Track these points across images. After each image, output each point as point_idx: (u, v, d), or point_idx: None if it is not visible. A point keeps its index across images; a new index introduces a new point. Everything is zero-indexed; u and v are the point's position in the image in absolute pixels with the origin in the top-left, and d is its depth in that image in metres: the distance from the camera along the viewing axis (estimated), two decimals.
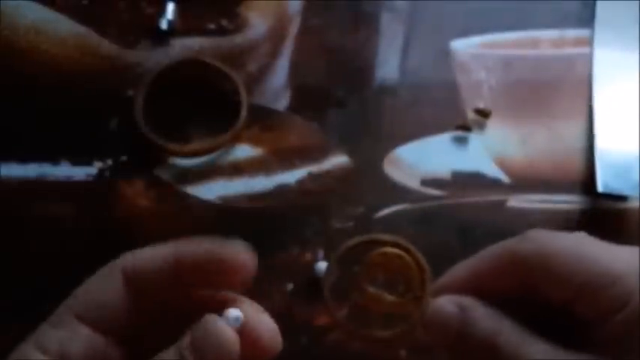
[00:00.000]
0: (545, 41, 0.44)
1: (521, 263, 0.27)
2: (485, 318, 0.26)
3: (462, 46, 0.44)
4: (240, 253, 0.28)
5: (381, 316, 0.28)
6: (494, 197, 0.41)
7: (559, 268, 0.26)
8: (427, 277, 0.28)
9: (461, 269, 0.29)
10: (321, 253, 0.39)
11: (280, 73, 0.44)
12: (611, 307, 0.24)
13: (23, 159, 0.41)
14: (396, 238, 0.29)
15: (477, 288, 0.27)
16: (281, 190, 0.41)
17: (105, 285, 0.27)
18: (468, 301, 0.27)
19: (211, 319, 0.26)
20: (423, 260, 0.29)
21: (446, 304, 0.27)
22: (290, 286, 0.39)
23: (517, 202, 0.41)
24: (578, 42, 0.45)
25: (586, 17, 0.45)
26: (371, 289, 0.29)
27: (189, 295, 0.28)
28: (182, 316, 0.27)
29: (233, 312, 0.27)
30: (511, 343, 0.25)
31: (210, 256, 0.27)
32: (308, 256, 0.39)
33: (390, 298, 0.28)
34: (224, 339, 0.26)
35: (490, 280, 0.28)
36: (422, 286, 0.28)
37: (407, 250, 0.29)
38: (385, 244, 0.29)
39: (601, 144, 0.41)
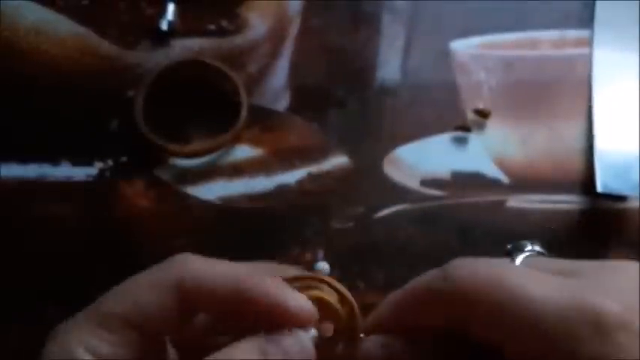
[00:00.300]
0: (545, 42, 0.45)
1: (440, 300, 0.25)
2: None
3: (462, 46, 0.44)
4: (303, 308, 0.26)
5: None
6: (494, 197, 0.41)
7: (479, 308, 0.24)
8: (355, 311, 0.27)
9: (386, 305, 0.28)
10: (321, 253, 0.39)
11: (280, 74, 0.44)
12: (538, 351, 0.23)
13: (23, 159, 0.41)
14: (310, 274, 0.28)
15: (402, 323, 0.27)
16: (281, 191, 0.41)
17: (157, 292, 0.25)
18: (395, 344, 0.26)
19: (300, 332, 0.25)
20: (346, 293, 0.27)
21: (374, 347, 0.27)
22: None
23: (517, 202, 0.41)
24: (577, 42, 0.45)
25: (586, 18, 0.45)
26: None
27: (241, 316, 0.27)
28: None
29: (312, 331, 0.26)
30: None
31: (274, 302, 0.26)
32: (308, 256, 0.39)
33: (320, 342, 0.27)
34: (310, 352, 0.26)
35: (413, 316, 0.27)
36: (351, 327, 0.27)
37: (325, 283, 0.28)
38: (300, 280, 0.27)
39: (600, 144, 0.41)
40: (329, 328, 0.28)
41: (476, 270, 0.25)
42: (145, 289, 0.25)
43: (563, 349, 0.22)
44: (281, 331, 0.25)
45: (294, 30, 0.45)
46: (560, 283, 0.24)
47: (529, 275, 0.24)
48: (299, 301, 0.26)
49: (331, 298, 0.27)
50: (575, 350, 0.22)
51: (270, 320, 0.25)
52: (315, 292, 0.27)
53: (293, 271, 0.29)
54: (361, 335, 0.28)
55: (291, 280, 0.27)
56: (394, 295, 0.28)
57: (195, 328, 0.29)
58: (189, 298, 0.25)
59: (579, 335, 0.22)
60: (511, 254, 0.30)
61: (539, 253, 0.31)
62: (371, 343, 0.27)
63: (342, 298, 0.27)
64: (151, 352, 0.26)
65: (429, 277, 0.26)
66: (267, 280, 0.26)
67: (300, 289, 0.27)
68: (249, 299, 0.25)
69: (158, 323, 0.25)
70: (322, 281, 0.28)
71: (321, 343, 0.27)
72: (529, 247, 0.31)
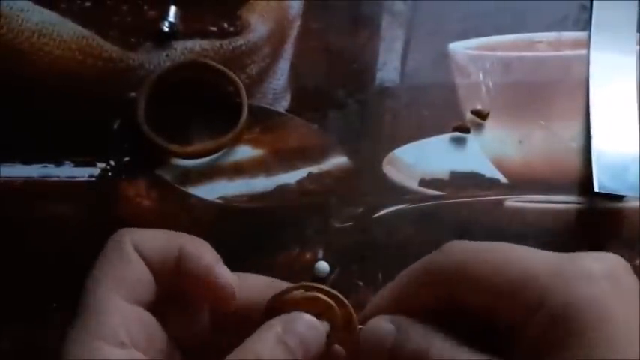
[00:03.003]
0: (543, 43, 0.45)
1: (437, 275, 0.26)
2: (417, 333, 0.26)
3: (461, 48, 0.45)
4: (231, 283, 0.28)
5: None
6: (492, 197, 0.41)
7: (475, 275, 0.25)
8: (350, 311, 0.28)
9: (384, 292, 0.29)
10: (321, 253, 0.40)
11: (281, 75, 0.44)
12: (527, 309, 0.24)
13: (27, 159, 0.41)
14: (300, 283, 0.28)
15: (402, 307, 0.27)
16: (281, 191, 0.41)
17: (129, 261, 0.27)
18: (401, 318, 0.27)
19: (306, 316, 0.27)
20: (339, 296, 0.28)
21: (381, 321, 0.27)
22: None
23: (515, 202, 0.41)
24: (575, 44, 0.45)
25: (583, 19, 0.46)
26: None
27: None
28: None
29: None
30: (444, 357, 0.25)
31: (207, 272, 0.27)
32: (308, 255, 0.40)
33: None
34: (321, 333, 0.27)
35: (412, 297, 0.27)
36: (348, 320, 0.28)
37: (320, 292, 0.28)
38: (290, 290, 0.28)
39: (598, 145, 0.41)
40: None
41: (471, 244, 0.27)
42: (116, 262, 0.27)
43: (555, 300, 0.23)
44: (293, 318, 0.26)
45: (294, 31, 0.45)
46: (549, 253, 0.26)
47: (517, 246, 0.26)
48: (229, 278, 0.28)
49: (323, 297, 0.28)
50: (566, 301, 0.23)
51: (202, 291, 0.27)
52: (311, 293, 0.28)
53: (282, 285, 0.29)
54: (359, 327, 0.28)
55: (285, 291, 0.28)
56: (388, 286, 0.28)
57: (198, 328, 0.29)
58: (147, 260, 0.27)
59: (571, 286, 0.23)
60: None
61: None
62: (379, 318, 0.27)
63: (338, 302, 0.28)
64: (153, 324, 0.27)
65: (424, 258, 0.27)
66: (207, 251, 0.28)
67: (295, 295, 0.28)
68: (189, 269, 0.27)
69: (150, 289, 0.27)
70: (317, 289, 0.28)
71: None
72: None
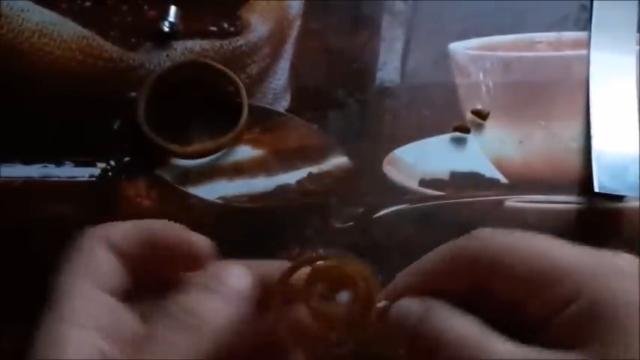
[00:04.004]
0: (543, 43, 0.45)
1: (469, 261, 0.26)
2: (444, 314, 0.26)
3: (461, 48, 0.45)
4: (204, 243, 0.28)
5: (334, 329, 0.27)
6: (493, 197, 0.41)
7: (508, 264, 0.25)
8: (371, 284, 0.27)
9: (411, 271, 0.28)
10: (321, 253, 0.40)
11: (281, 75, 0.44)
12: (560, 302, 0.24)
13: (27, 159, 0.41)
14: (328, 253, 0.29)
15: (429, 289, 0.27)
16: (281, 191, 0.41)
17: (94, 253, 0.27)
18: (430, 301, 0.26)
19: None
20: (363, 269, 0.28)
21: (409, 302, 0.27)
22: None
23: (515, 202, 0.41)
24: (575, 44, 0.45)
25: (583, 19, 0.46)
26: (318, 305, 0.27)
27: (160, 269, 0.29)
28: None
29: None
30: (476, 341, 0.24)
31: (179, 240, 0.28)
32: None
33: (337, 310, 0.27)
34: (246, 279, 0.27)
35: (439, 282, 0.27)
36: (367, 293, 0.27)
37: (344, 264, 0.28)
38: (319, 260, 0.28)
39: (598, 145, 0.41)
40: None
41: (502, 232, 0.26)
42: (86, 256, 0.27)
43: (590, 295, 0.23)
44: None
45: (294, 31, 0.45)
46: (581, 247, 0.25)
47: (549, 238, 0.26)
48: (203, 240, 0.28)
49: (347, 268, 0.28)
50: (601, 296, 0.23)
51: (179, 261, 0.28)
52: (331, 262, 0.28)
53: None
54: (380, 304, 0.28)
55: (303, 262, 0.28)
56: (412, 267, 0.28)
57: None
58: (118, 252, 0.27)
59: (606, 281, 0.23)
60: None
61: None
62: (409, 299, 0.27)
63: (358, 271, 0.28)
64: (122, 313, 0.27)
65: (452, 242, 0.27)
66: (171, 225, 0.28)
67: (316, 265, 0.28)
68: (162, 242, 0.28)
69: (120, 279, 0.27)
70: (342, 259, 0.28)
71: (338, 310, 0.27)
72: None
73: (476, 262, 0.26)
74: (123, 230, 0.28)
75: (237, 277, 0.27)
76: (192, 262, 0.28)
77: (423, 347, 0.26)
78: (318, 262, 0.28)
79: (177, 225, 0.29)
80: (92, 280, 0.26)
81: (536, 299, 0.25)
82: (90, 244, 0.28)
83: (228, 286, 0.27)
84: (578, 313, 0.23)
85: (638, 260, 0.25)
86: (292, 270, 0.28)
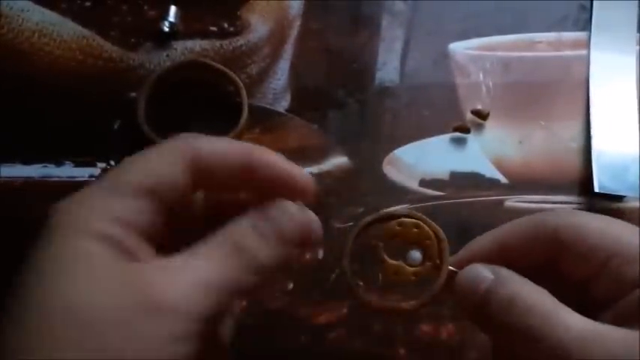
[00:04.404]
0: (543, 43, 0.45)
1: (550, 234, 0.26)
2: (515, 281, 0.26)
3: (461, 48, 0.45)
4: (304, 178, 0.27)
5: (402, 287, 0.29)
6: (493, 198, 0.41)
7: (587, 240, 0.26)
8: (445, 246, 0.29)
9: (484, 240, 0.28)
10: (321, 253, 0.40)
11: (281, 75, 0.44)
12: (634, 280, 0.24)
13: (27, 160, 0.41)
14: (409, 210, 0.29)
15: (501, 259, 0.27)
16: None
17: (172, 164, 0.25)
18: (502, 269, 0.26)
19: (291, 203, 0.26)
20: (439, 230, 0.29)
21: (479, 267, 0.27)
22: (290, 285, 0.39)
23: (515, 202, 0.41)
24: (575, 44, 0.45)
25: (583, 20, 0.46)
26: (390, 260, 0.29)
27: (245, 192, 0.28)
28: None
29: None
30: (547, 310, 0.24)
31: (281, 172, 0.27)
32: (308, 255, 0.39)
33: (409, 267, 0.29)
34: (308, 217, 0.26)
35: (515, 252, 0.27)
36: (440, 254, 0.28)
37: (423, 221, 0.29)
38: (400, 216, 0.29)
39: (598, 145, 0.41)
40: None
41: (584, 212, 0.28)
42: (156, 160, 0.25)
43: None
44: (270, 205, 0.26)
45: (294, 31, 0.45)
46: None
47: (627, 224, 0.27)
48: (301, 173, 0.27)
49: (425, 227, 0.29)
50: None
51: (275, 192, 0.26)
52: (411, 220, 0.29)
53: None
54: (450, 267, 0.28)
55: (383, 218, 0.29)
56: (489, 234, 0.28)
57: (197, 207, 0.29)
58: (203, 171, 0.26)
59: None
60: None
61: None
62: (479, 265, 0.27)
63: (435, 233, 0.29)
64: (163, 224, 0.25)
65: (531, 216, 0.27)
66: (274, 154, 0.27)
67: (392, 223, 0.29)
68: (258, 170, 0.26)
69: (172, 194, 0.25)
70: (412, 216, 0.29)
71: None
72: None
73: (556, 235, 0.26)
74: (219, 147, 0.26)
75: (289, 222, 0.26)
76: (289, 193, 0.27)
77: (491, 314, 0.25)
78: (396, 219, 0.29)
79: (278, 156, 0.27)
80: (152, 188, 0.24)
81: (609, 277, 0.25)
82: (166, 154, 0.26)
83: (279, 232, 0.25)
84: None
85: None
86: (370, 223, 0.29)
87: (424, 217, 0.29)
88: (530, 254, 0.27)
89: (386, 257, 0.29)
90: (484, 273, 0.26)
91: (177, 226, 0.26)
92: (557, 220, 0.27)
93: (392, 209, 0.29)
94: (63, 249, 0.23)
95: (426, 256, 0.29)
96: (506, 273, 0.26)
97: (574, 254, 0.26)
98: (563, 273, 0.27)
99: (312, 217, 0.27)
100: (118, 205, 0.23)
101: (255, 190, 0.27)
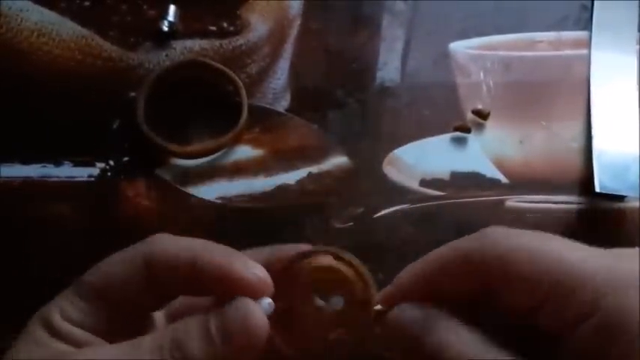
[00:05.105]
0: (543, 43, 0.45)
1: (477, 263, 0.24)
2: (451, 328, 0.24)
3: (461, 47, 0.45)
4: (257, 277, 0.26)
5: (326, 332, 0.27)
6: (493, 197, 0.41)
7: (520, 268, 0.23)
8: (370, 286, 0.27)
9: (410, 272, 0.27)
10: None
11: (281, 75, 0.44)
12: (579, 313, 0.22)
13: (26, 159, 0.41)
14: (326, 248, 0.28)
15: (428, 293, 0.26)
16: (281, 191, 0.41)
17: (125, 265, 0.27)
18: (431, 311, 0.25)
19: (245, 301, 0.25)
20: (364, 269, 0.27)
21: (410, 310, 0.26)
22: None
23: (515, 202, 0.41)
24: (575, 43, 0.45)
25: (583, 19, 0.46)
26: (313, 306, 0.27)
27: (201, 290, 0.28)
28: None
29: (265, 300, 0.26)
30: (468, 354, 0.23)
31: (226, 273, 0.26)
32: None
33: (333, 310, 0.27)
34: (255, 322, 0.25)
35: (444, 283, 0.25)
36: (365, 295, 0.27)
37: (340, 259, 0.27)
38: (315, 254, 0.27)
39: (598, 144, 0.41)
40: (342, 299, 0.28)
41: (513, 233, 0.25)
42: (115, 263, 0.27)
43: (607, 306, 0.22)
44: (229, 303, 0.26)
45: (294, 31, 0.45)
46: (597, 250, 0.24)
47: (564, 240, 0.24)
48: (252, 270, 0.26)
49: (344, 269, 0.27)
50: (621, 309, 0.22)
51: (225, 291, 0.26)
52: (324, 260, 0.27)
53: (304, 247, 0.29)
54: (377, 307, 0.27)
55: (301, 256, 0.28)
56: (414, 267, 0.27)
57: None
58: (156, 273, 0.27)
59: (625, 291, 0.22)
60: None
61: None
62: (408, 305, 0.26)
63: (356, 272, 0.27)
64: (119, 323, 0.27)
65: (457, 242, 0.25)
66: (222, 250, 0.27)
67: (310, 261, 0.27)
68: (204, 271, 0.26)
69: (124, 294, 0.27)
70: (337, 257, 0.28)
71: (276, 314, 0.26)
72: None
73: (486, 262, 0.24)
74: (171, 250, 0.27)
75: (243, 327, 0.25)
76: (241, 292, 0.26)
77: (424, 357, 0.25)
78: (316, 261, 0.27)
79: (222, 248, 0.27)
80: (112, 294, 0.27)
81: (549, 308, 0.23)
82: (129, 259, 0.27)
83: (225, 335, 0.25)
84: (596, 326, 0.22)
85: None
86: (292, 262, 0.28)
87: (344, 257, 0.27)
88: (462, 284, 0.25)
89: (308, 303, 0.27)
90: (413, 315, 0.25)
91: (133, 319, 0.28)
92: (483, 246, 0.24)
93: (306, 251, 0.28)
94: (24, 330, 0.28)
95: (350, 298, 0.27)
96: (435, 315, 0.25)
97: (508, 284, 0.24)
98: (504, 301, 0.24)
99: (259, 323, 0.25)
100: (68, 306, 0.27)
101: (209, 290, 0.27)
